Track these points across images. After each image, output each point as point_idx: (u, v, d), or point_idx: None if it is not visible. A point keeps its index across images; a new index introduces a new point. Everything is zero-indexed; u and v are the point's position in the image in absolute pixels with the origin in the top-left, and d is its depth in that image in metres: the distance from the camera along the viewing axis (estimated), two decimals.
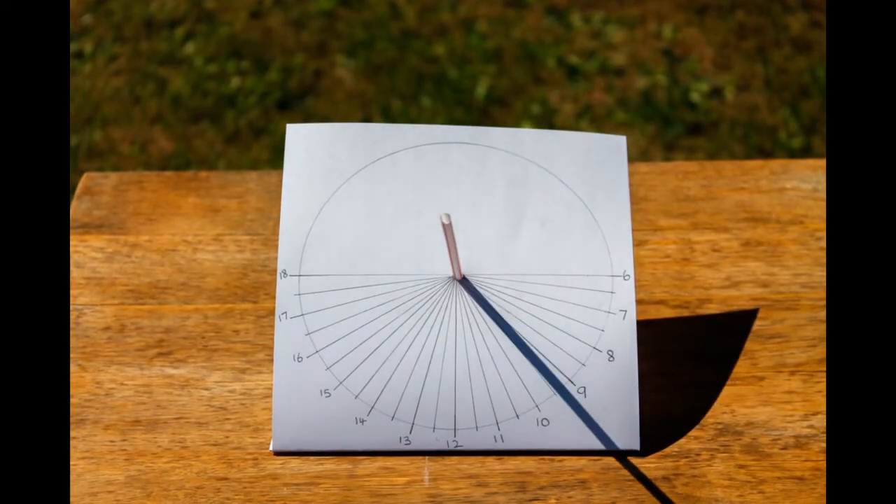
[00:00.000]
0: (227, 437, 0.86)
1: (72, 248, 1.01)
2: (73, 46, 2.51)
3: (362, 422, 0.85)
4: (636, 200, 1.04)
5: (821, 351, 0.91)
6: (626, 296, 0.86)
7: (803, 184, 1.06)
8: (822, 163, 1.07)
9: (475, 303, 0.86)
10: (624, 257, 0.87)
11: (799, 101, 2.32)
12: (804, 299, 0.95)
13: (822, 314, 0.94)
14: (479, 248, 0.87)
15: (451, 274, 0.86)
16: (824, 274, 0.96)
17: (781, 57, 2.42)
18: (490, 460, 0.84)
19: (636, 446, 0.84)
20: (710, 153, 2.21)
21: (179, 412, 0.88)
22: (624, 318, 0.86)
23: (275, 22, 2.57)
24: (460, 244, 0.84)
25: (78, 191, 1.08)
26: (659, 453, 0.84)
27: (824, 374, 0.89)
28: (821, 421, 0.86)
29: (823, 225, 1.01)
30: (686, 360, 0.91)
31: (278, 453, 0.85)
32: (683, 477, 0.83)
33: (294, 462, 0.85)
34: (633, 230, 0.97)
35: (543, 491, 0.82)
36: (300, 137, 0.89)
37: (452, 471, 0.84)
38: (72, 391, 0.89)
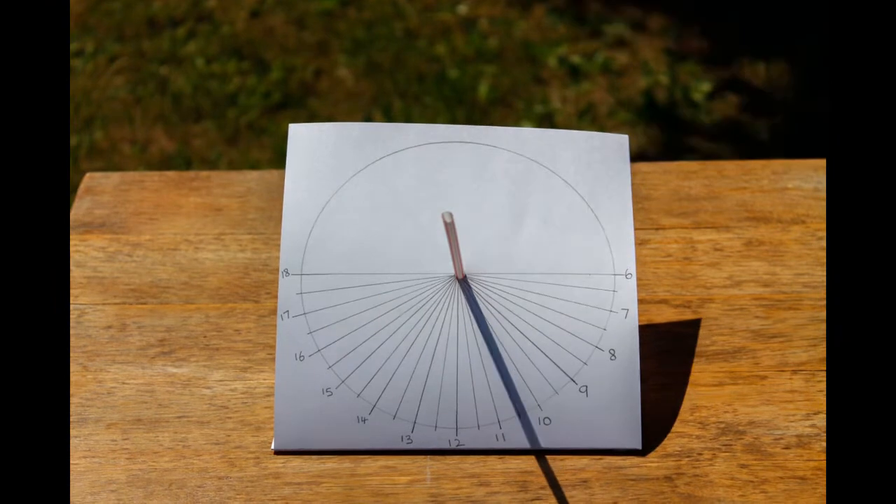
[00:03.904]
0: (229, 436, 0.86)
1: (73, 248, 1.01)
2: (73, 46, 2.51)
3: (364, 421, 0.85)
4: (638, 199, 1.04)
5: (823, 350, 0.91)
6: (627, 295, 0.86)
7: (805, 183, 1.06)
8: (823, 163, 1.07)
9: (477, 302, 0.86)
10: (626, 256, 0.87)
11: (800, 101, 2.32)
12: (806, 299, 0.95)
13: (824, 314, 0.94)
14: (481, 247, 0.87)
15: (452, 273, 0.86)
16: (825, 273, 0.96)
17: (782, 57, 2.42)
18: (492, 459, 0.84)
19: (638, 445, 0.84)
20: (711, 152, 2.21)
21: (181, 411, 0.88)
22: (626, 316, 0.86)
23: (275, 22, 2.57)
24: (462, 243, 0.84)
25: (79, 190, 1.08)
26: (661, 453, 0.84)
27: (826, 374, 0.89)
28: (822, 420, 0.86)
29: (825, 225, 1.01)
30: (688, 359, 0.91)
31: (280, 452, 0.85)
32: (685, 476, 0.83)
33: (296, 461, 0.85)
34: (635, 229, 0.97)
35: (545, 490, 0.82)
36: (302, 137, 0.89)
37: (454, 470, 0.84)
38: (73, 390, 0.89)
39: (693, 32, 2.50)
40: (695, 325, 0.93)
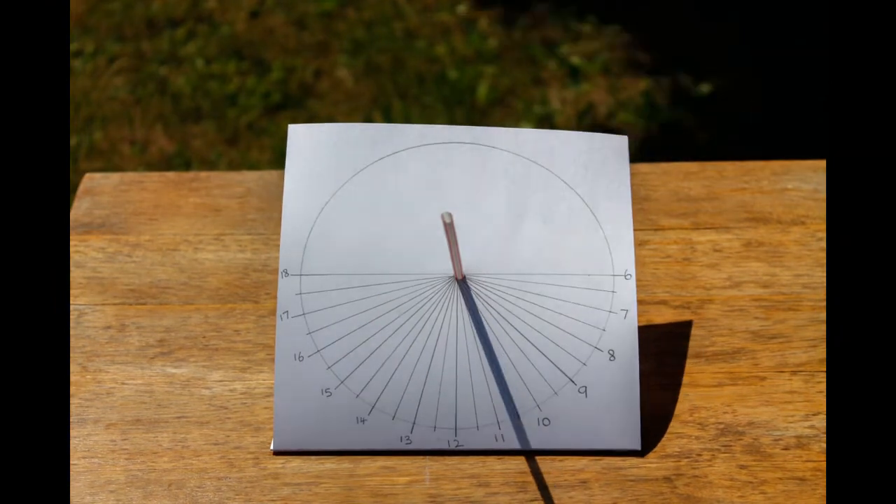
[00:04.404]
0: (228, 436, 0.86)
1: (73, 249, 1.01)
2: (74, 47, 2.51)
3: (363, 421, 0.85)
4: (637, 200, 1.04)
5: (822, 351, 0.91)
6: (627, 295, 0.86)
7: (804, 184, 1.06)
8: (823, 164, 1.07)
9: (476, 302, 0.86)
10: (625, 257, 0.87)
11: (801, 101, 2.32)
12: (805, 300, 0.95)
13: (824, 315, 0.94)
14: (481, 248, 0.87)
15: (452, 273, 0.86)
16: (825, 274, 0.96)
17: (784, 57, 2.42)
18: (491, 460, 0.84)
19: (637, 446, 0.84)
20: (711, 153, 2.21)
21: (180, 411, 0.88)
22: (625, 317, 0.86)
23: (275, 22, 2.57)
24: (462, 244, 0.84)
25: (79, 191, 1.08)
26: (660, 453, 0.84)
27: (826, 375, 0.89)
28: (822, 421, 0.86)
29: (824, 225, 1.01)
30: (687, 359, 0.91)
31: (279, 453, 0.85)
32: (685, 477, 0.83)
33: (295, 461, 0.85)
34: (635, 230, 0.97)
35: (544, 491, 0.82)
36: (302, 138, 0.89)
37: (453, 471, 0.84)
38: (73, 391, 0.89)
39: (694, 33, 2.50)
40: (694, 325, 0.93)
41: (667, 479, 0.83)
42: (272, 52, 2.50)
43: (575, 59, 2.45)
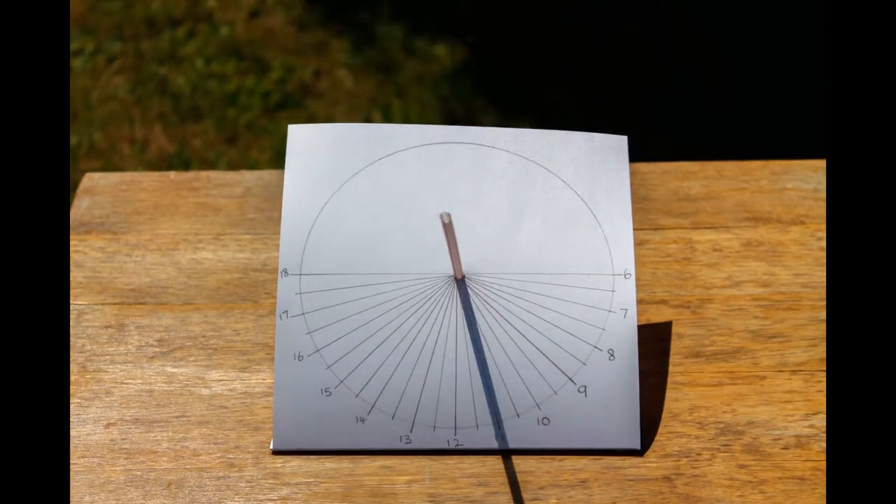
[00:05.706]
0: (228, 436, 0.86)
1: (72, 248, 1.01)
2: (73, 46, 2.51)
3: (363, 421, 0.85)
4: (637, 200, 1.04)
5: (822, 350, 0.91)
6: (626, 295, 0.86)
7: (804, 184, 1.06)
8: (823, 163, 1.07)
9: (476, 302, 0.86)
10: (625, 256, 0.87)
11: (801, 100, 2.32)
12: (805, 299, 0.95)
13: (823, 314, 0.94)
14: (480, 248, 0.87)
15: (451, 273, 0.86)
16: (825, 274, 0.96)
17: (784, 57, 2.42)
18: (490, 459, 0.84)
19: (636, 445, 0.84)
20: (711, 153, 2.21)
21: (180, 411, 0.88)
22: (625, 316, 0.86)
23: (275, 22, 2.57)
24: (461, 243, 0.84)
25: (78, 190, 1.08)
26: (659, 453, 0.84)
27: (825, 374, 0.89)
28: (822, 421, 0.86)
29: (824, 225, 1.01)
30: (687, 359, 0.91)
31: (278, 452, 0.85)
32: (684, 477, 0.83)
33: (294, 461, 0.85)
34: (634, 229, 0.97)
35: (544, 490, 0.82)
36: (301, 138, 0.90)
37: (453, 470, 0.84)
38: (72, 390, 0.89)
39: (694, 31, 2.50)
40: (694, 325, 0.93)
41: (666, 478, 0.83)
42: (272, 52, 2.50)
43: (575, 59, 2.44)
